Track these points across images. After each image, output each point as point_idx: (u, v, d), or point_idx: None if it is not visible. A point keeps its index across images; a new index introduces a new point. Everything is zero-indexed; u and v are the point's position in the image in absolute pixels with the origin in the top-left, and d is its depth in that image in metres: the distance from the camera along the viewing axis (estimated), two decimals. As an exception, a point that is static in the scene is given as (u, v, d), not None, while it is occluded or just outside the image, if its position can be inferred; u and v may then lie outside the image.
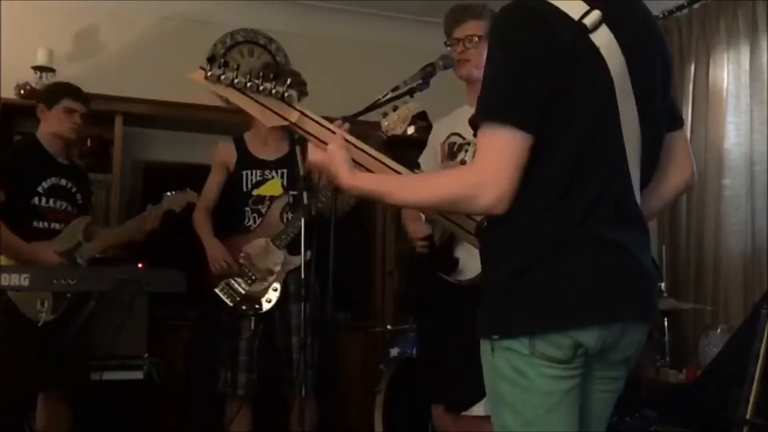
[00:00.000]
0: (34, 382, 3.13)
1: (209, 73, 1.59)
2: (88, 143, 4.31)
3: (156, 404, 3.72)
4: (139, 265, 3.36)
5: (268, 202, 3.38)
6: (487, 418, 2.54)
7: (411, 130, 2.77)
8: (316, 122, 1.66)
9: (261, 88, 1.61)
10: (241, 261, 3.32)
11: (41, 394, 3.25)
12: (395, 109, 2.64)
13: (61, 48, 4.35)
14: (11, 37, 4.13)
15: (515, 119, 1.39)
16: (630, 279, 1.48)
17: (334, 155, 1.60)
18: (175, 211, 3.41)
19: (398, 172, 1.67)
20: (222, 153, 3.48)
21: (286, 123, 1.66)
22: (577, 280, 1.42)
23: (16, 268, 2.75)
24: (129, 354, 3.65)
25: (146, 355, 3.74)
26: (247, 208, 3.39)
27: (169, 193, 3.43)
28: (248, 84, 1.61)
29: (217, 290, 3.31)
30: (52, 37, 4.33)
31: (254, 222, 3.39)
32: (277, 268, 3.31)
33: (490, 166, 1.40)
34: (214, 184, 3.47)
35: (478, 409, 2.59)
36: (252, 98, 1.63)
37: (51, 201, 3.23)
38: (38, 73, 4.17)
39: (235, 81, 1.60)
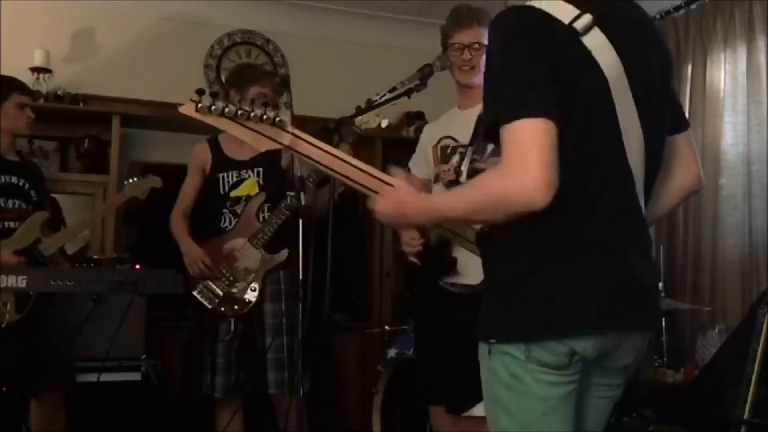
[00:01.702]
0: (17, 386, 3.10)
1: (199, 105, 1.61)
2: (86, 144, 4.31)
3: (154, 405, 3.71)
4: (137, 267, 3.36)
5: (244, 203, 3.34)
6: (481, 418, 2.55)
7: (385, 124, 2.77)
8: (310, 143, 1.68)
9: (252, 115, 1.63)
10: (218, 262, 3.28)
11: (33, 399, 3.20)
12: (418, 116, 2.63)
13: (58, 49, 4.35)
14: (8, 38, 4.12)
15: (534, 108, 1.36)
16: (629, 288, 1.47)
17: (390, 193, 1.63)
18: (139, 198, 3.32)
19: (375, 176, 1.68)
20: (197, 155, 3.44)
21: (279, 147, 1.68)
22: (574, 288, 1.42)
23: (14, 269, 2.73)
24: (127, 355, 3.64)
25: (144, 356, 3.74)
26: (224, 210, 3.35)
27: (129, 180, 3.36)
28: (239, 112, 1.63)
29: (195, 293, 3.26)
30: (49, 38, 4.32)
31: (230, 223, 3.34)
32: (256, 268, 3.28)
33: (523, 159, 1.34)
34: (190, 187, 3.43)
35: (479, 410, 2.59)
36: (243, 125, 1.65)
37: (2, 200, 3.14)
38: (35, 74, 4.16)
39: (226, 111, 1.62)
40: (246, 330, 3.29)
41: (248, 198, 3.34)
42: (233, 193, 3.36)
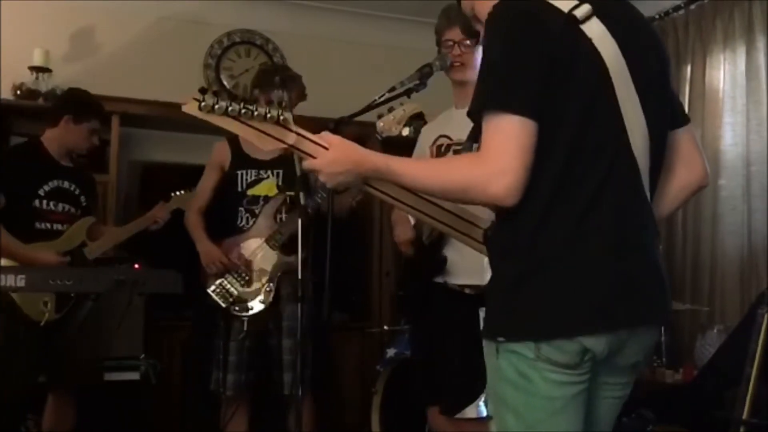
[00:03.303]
0: (45, 380, 3.22)
1: (202, 104, 1.59)
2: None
3: (153, 405, 3.72)
4: (136, 266, 3.36)
5: (262, 203, 3.35)
6: (481, 420, 2.55)
7: (406, 132, 2.78)
8: (314, 142, 1.65)
9: (255, 114, 1.61)
10: (234, 262, 3.30)
11: (50, 394, 3.29)
12: (390, 110, 2.64)
13: (58, 48, 4.35)
14: (8, 37, 4.13)
15: (518, 106, 1.37)
16: (638, 282, 1.45)
17: (338, 145, 1.60)
18: (183, 210, 3.40)
19: None
20: (217, 153, 3.46)
21: (283, 146, 1.66)
22: (582, 286, 1.41)
23: (13, 269, 2.76)
24: (126, 355, 3.65)
25: (143, 355, 3.74)
26: (241, 208, 3.36)
27: (177, 193, 3.42)
28: (242, 111, 1.61)
29: (209, 291, 3.28)
30: (48, 37, 4.32)
31: (247, 222, 3.35)
32: (271, 269, 3.29)
33: (499, 154, 1.37)
34: (208, 184, 3.45)
35: (471, 411, 2.59)
36: (247, 124, 1.63)
37: (52, 204, 3.26)
38: (35, 73, 4.16)
39: (229, 109, 1.60)
40: (259, 330, 3.29)
41: (266, 198, 3.34)
42: (250, 192, 3.36)
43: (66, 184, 3.33)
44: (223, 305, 3.27)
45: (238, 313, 3.26)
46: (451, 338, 2.60)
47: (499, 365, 1.45)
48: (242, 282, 3.29)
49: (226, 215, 3.41)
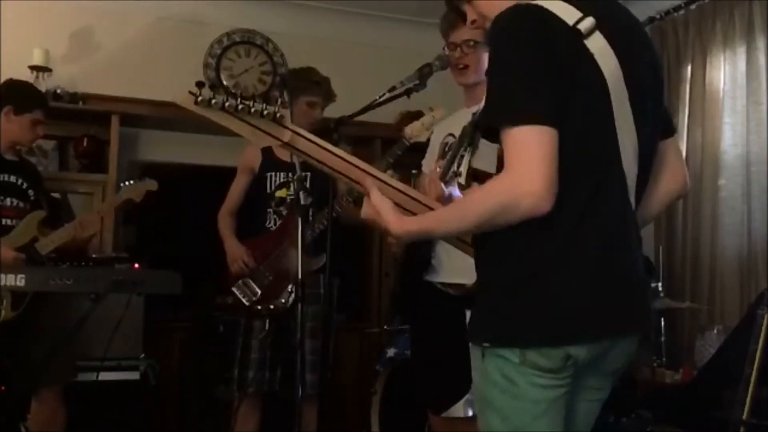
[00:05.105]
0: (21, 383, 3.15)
1: (199, 98, 1.58)
2: (85, 143, 4.31)
3: (152, 405, 3.72)
4: (135, 266, 3.36)
5: (289, 204, 3.40)
6: (469, 419, 2.55)
7: None
8: (309, 140, 1.65)
9: (252, 110, 1.60)
10: (259, 261, 3.33)
11: (33, 397, 3.23)
12: (418, 116, 2.65)
13: (58, 48, 4.35)
14: (8, 36, 4.13)
15: (536, 116, 1.36)
16: (623, 294, 1.48)
17: (379, 207, 1.57)
18: (134, 201, 3.33)
19: (425, 204, 1.65)
20: (247, 156, 3.53)
21: (278, 143, 1.65)
22: (570, 297, 1.42)
23: (12, 269, 2.74)
24: (125, 355, 3.65)
25: (142, 355, 3.74)
26: (269, 210, 3.42)
27: (126, 183, 3.36)
28: (239, 107, 1.59)
29: (234, 289, 3.32)
30: (48, 37, 4.32)
31: (275, 224, 3.41)
32: (295, 270, 3.29)
33: (522, 166, 1.35)
34: (239, 187, 3.54)
35: (457, 410, 2.59)
36: (243, 120, 1.62)
37: (0, 198, 3.17)
38: (34, 72, 4.16)
39: (226, 104, 1.59)
40: (281, 329, 3.31)
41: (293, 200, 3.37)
42: (278, 193, 3.43)
43: (12, 178, 3.22)
44: (247, 303, 3.30)
45: (261, 312, 3.29)
46: (437, 337, 2.61)
47: (486, 368, 1.48)
48: (266, 281, 3.31)
49: (254, 216, 3.47)
